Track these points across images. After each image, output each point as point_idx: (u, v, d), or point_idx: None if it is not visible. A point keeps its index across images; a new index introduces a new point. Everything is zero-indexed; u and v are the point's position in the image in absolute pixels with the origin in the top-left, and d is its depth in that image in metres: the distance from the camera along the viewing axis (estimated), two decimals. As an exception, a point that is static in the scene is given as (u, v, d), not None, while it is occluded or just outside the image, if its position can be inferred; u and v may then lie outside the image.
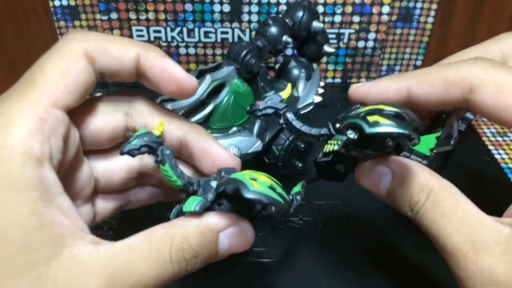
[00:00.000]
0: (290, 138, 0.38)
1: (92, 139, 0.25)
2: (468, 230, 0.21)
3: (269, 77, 0.40)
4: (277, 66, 0.44)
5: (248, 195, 0.20)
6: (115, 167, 0.27)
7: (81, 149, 0.25)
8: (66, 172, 0.24)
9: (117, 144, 0.27)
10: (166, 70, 0.24)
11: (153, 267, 0.20)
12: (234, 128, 0.37)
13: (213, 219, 0.22)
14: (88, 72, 0.23)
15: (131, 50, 0.24)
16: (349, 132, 0.23)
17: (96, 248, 0.20)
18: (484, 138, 0.52)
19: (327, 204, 0.40)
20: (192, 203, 0.22)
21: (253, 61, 0.37)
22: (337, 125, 0.25)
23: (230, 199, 0.23)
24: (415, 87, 0.25)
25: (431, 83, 0.25)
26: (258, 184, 0.20)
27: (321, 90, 0.42)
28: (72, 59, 0.22)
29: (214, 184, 0.24)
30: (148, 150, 0.23)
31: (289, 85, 0.29)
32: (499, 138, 0.52)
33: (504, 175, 0.45)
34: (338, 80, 0.59)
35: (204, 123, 0.37)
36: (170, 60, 0.25)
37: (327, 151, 0.25)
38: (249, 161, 0.37)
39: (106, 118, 0.25)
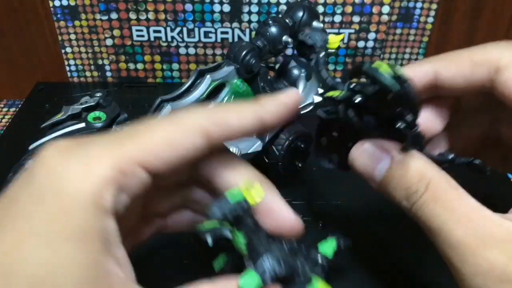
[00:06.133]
0: (290, 138, 0.38)
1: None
2: (473, 225, 0.21)
3: (269, 77, 0.40)
4: (277, 66, 0.44)
5: None
6: (162, 194, 0.26)
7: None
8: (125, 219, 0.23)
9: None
10: (272, 211, 0.23)
11: None
12: (234, 128, 0.37)
13: None
14: (197, 148, 0.21)
15: (239, 179, 0.23)
16: (356, 97, 0.22)
17: None
18: (484, 138, 0.52)
19: (327, 204, 0.40)
20: (250, 283, 0.21)
21: (253, 61, 0.37)
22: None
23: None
24: (442, 69, 0.25)
25: (458, 64, 0.24)
26: None
27: (321, 90, 0.42)
28: (184, 131, 0.21)
29: (274, 264, 0.22)
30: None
31: (340, 36, 0.28)
32: (499, 138, 0.52)
33: (504, 175, 0.45)
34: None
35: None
36: (279, 198, 0.24)
37: (329, 95, 0.24)
38: (249, 161, 0.37)
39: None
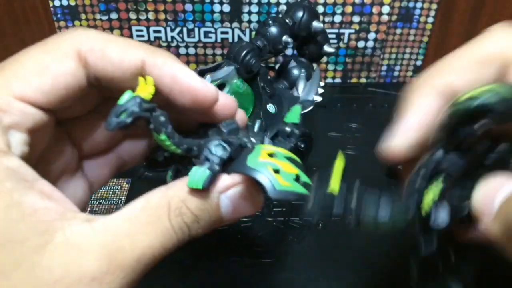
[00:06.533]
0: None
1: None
2: None
3: (269, 77, 0.40)
4: (277, 66, 0.44)
5: (275, 196, 0.18)
6: (93, 124, 0.24)
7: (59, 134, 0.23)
8: (41, 156, 0.21)
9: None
10: (178, 79, 0.21)
11: (156, 237, 0.18)
12: (234, 128, 0.37)
13: None
14: (75, 75, 0.20)
15: (134, 55, 0.21)
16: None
17: (90, 225, 0.18)
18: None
19: (327, 204, 0.40)
20: (198, 179, 0.19)
21: (253, 61, 0.37)
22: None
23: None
24: (456, 82, 0.22)
25: (468, 69, 0.22)
26: (283, 179, 0.19)
27: (321, 90, 0.42)
28: (58, 57, 0.20)
29: (216, 149, 0.20)
30: (141, 120, 0.19)
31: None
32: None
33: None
34: (338, 80, 0.59)
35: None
36: (183, 65, 0.21)
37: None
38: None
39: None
